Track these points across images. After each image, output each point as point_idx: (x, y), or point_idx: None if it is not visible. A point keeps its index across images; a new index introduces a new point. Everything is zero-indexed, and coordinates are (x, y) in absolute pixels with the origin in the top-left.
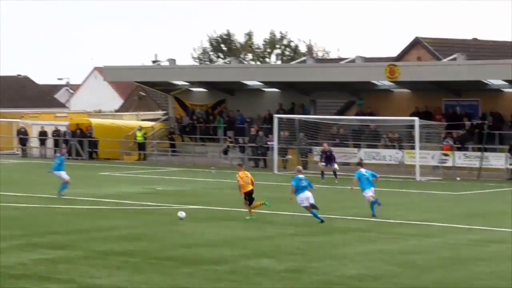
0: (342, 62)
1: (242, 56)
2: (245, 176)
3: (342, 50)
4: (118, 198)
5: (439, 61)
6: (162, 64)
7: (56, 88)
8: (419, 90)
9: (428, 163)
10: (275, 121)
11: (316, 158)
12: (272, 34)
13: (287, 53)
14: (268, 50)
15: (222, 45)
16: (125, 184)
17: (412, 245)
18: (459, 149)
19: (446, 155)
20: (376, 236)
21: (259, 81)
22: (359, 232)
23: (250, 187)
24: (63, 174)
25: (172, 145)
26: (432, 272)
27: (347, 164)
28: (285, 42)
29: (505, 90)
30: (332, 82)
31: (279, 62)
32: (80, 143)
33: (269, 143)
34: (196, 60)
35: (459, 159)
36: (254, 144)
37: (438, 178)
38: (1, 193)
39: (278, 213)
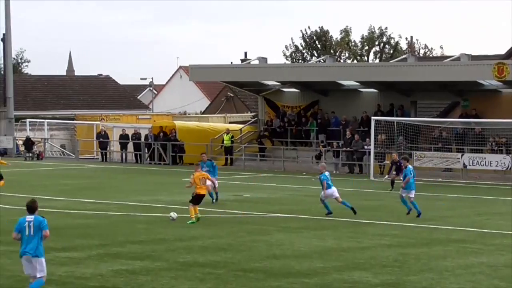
0: (445, 61)
1: (337, 54)
2: (201, 177)
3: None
4: (202, 205)
5: None
6: (252, 63)
7: (139, 88)
8: None
9: None
10: (373, 124)
11: (416, 163)
12: (371, 30)
13: (386, 50)
14: (366, 47)
15: (317, 42)
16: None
17: None
18: None
19: None
20: (479, 247)
21: (355, 81)
22: (460, 243)
23: (203, 191)
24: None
25: (261, 149)
26: None
27: (450, 170)
28: (384, 39)
29: None
30: (435, 82)
31: (377, 61)
32: (164, 147)
33: (365, 147)
34: (288, 59)
35: None
36: (349, 149)
37: None
38: (79, 199)
39: (373, 222)
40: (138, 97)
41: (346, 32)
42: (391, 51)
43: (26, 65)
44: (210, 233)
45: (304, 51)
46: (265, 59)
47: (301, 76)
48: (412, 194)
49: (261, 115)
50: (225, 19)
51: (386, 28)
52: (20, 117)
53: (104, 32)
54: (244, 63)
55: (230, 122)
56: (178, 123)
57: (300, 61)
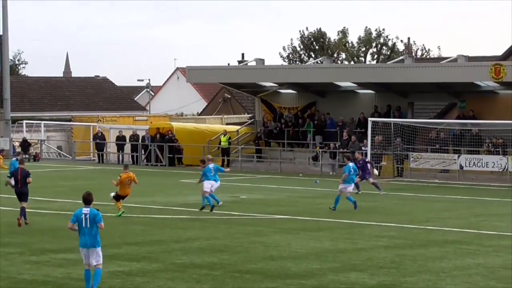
0: (442, 62)
1: (335, 55)
2: (127, 179)
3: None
4: (199, 207)
5: None
6: (249, 64)
7: (136, 90)
8: None
9: None
10: (370, 125)
11: (413, 165)
12: (368, 31)
13: (383, 52)
14: (363, 49)
15: (314, 44)
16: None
17: None
18: None
19: None
20: (475, 249)
21: (353, 82)
22: (457, 244)
23: (127, 193)
24: None
25: (258, 151)
26: None
27: (446, 171)
28: (381, 40)
29: None
30: (432, 83)
31: (374, 62)
32: (160, 148)
33: (363, 148)
34: (286, 60)
35: None
36: (346, 150)
37: None
38: (75, 201)
39: (370, 223)
40: (135, 99)
41: (343, 33)
42: (388, 53)
43: (23, 67)
44: (206, 235)
45: (301, 52)
46: (262, 61)
47: (298, 77)
48: (350, 188)
49: (258, 117)
50: (222, 21)
51: (383, 29)
52: (17, 119)
53: (101, 33)
54: (241, 64)
55: (227, 124)
56: (175, 124)
57: (297, 62)
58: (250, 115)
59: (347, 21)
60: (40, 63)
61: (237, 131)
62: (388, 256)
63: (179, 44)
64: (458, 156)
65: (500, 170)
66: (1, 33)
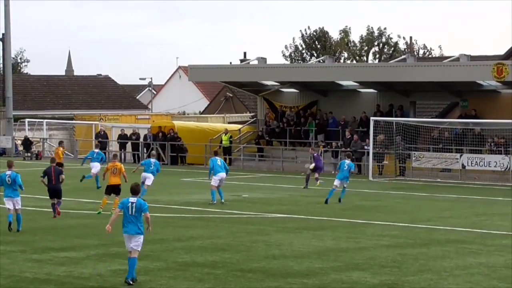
0: (445, 61)
1: (337, 54)
2: (113, 167)
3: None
4: (201, 205)
5: None
6: (251, 63)
7: (138, 88)
8: None
9: None
10: (372, 124)
11: (415, 164)
12: (370, 30)
13: (385, 51)
14: (365, 48)
15: (316, 43)
16: (208, 191)
17: None
18: None
19: None
20: (477, 248)
21: (354, 81)
22: (459, 243)
23: (115, 181)
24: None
25: (260, 150)
26: None
27: (449, 170)
28: (383, 39)
29: None
30: (434, 82)
31: (376, 61)
32: (162, 147)
33: (365, 147)
34: (288, 59)
35: None
36: (348, 149)
37: None
38: (78, 199)
39: (372, 222)
40: (137, 97)
41: (345, 32)
42: (390, 52)
43: (26, 65)
44: (208, 233)
45: (303, 51)
46: (264, 59)
47: (300, 76)
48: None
49: (260, 115)
50: (224, 19)
51: (385, 28)
52: (19, 117)
53: (103, 32)
54: (243, 63)
55: (229, 122)
56: (177, 123)
57: (300, 61)
58: (252, 114)
59: (349, 20)
60: (42, 62)
61: (239, 130)
62: (390, 255)
63: (181, 43)
64: (460, 156)
65: (502, 169)
66: (4, 32)
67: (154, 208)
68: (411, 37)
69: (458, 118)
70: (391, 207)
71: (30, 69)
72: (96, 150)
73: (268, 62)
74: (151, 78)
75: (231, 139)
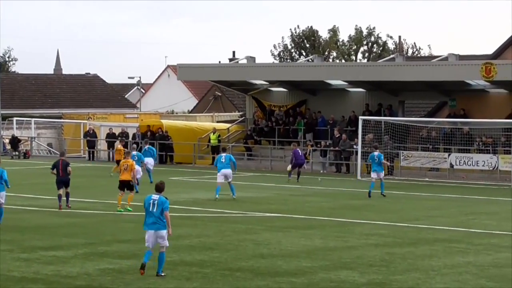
0: (433, 60)
1: (326, 53)
2: (124, 164)
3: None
4: (189, 205)
5: None
6: (240, 62)
7: (126, 87)
8: None
9: None
10: (360, 123)
11: (403, 163)
12: (358, 30)
13: (374, 50)
14: (354, 47)
15: (305, 42)
16: (197, 190)
17: (505, 258)
18: None
19: None
20: (465, 247)
21: (343, 81)
22: (447, 243)
23: (127, 177)
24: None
25: (248, 149)
26: None
27: (437, 169)
28: (372, 38)
29: None
30: (423, 81)
31: (365, 60)
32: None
33: (354, 146)
34: (277, 58)
35: None
36: (337, 148)
37: None
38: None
39: (360, 221)
40: (126, 96)
41: (334, 31)
42: (379, 51)
43: (13, 64)
44: (197, 232)
45: (292, 51)
46: (253, 59)
47: (289, 75)
48: (382, 174)
49: (248, 114)
50: (213, 18)
51: (374, 27)
52: (7, 116)
53: (92, 30)
54: (232, 62)
55: (218, 121)
56: (166, 122)
57: (288, 60)
58: (240, 113)
59: (338, 20)
60: (30, 60)
61: (228, 129)
62: (378, 254)
63: (170, 42)
64: (449, 155)
65: (490, 168)
66: None
67: (142, 207)
68: (399, 36)
69: (447, 117)
70: (379, 206)
71: (18, 68)
72: (146, 146)
73: (257, 61)
74: (140, 77)
75: (219, 138)
